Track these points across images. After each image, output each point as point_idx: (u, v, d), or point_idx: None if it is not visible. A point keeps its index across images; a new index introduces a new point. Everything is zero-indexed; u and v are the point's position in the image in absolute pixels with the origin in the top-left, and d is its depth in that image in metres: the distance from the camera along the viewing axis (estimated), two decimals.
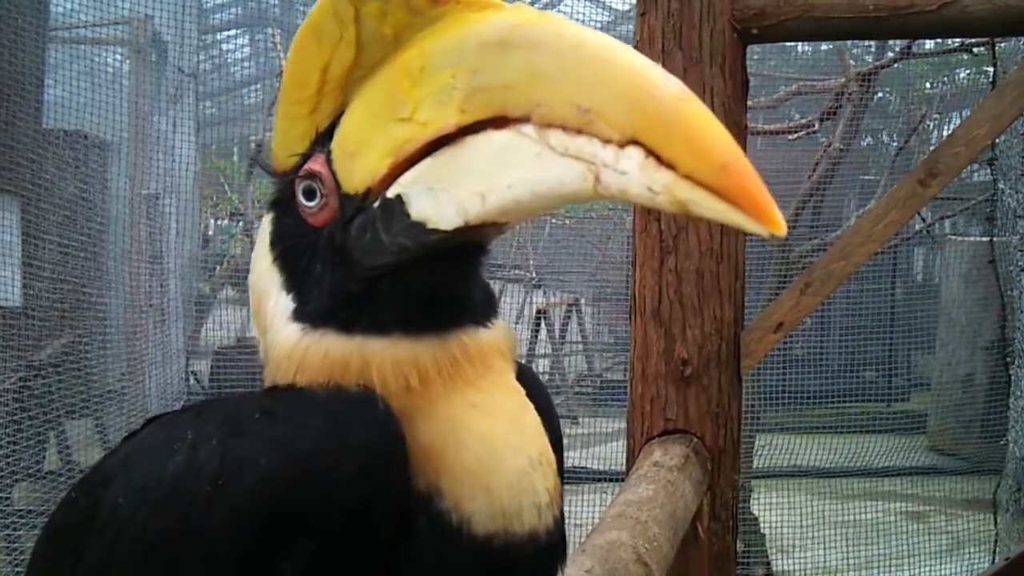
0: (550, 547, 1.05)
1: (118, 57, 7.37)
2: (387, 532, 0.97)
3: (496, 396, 1.04)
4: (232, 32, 11.33)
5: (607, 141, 0.86)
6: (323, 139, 1.04)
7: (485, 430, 1.01)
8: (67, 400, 5.98)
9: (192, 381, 8.71)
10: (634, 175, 0.85)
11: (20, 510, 5.35)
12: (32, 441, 5.62)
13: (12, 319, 5.50)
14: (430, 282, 1.01)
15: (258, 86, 10.93)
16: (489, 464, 1.00)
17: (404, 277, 1.00)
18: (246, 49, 11.48)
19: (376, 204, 0.99)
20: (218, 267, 10.66)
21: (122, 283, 7.15)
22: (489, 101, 0.91)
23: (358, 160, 1.00)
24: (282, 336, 1.04)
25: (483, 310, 1.07)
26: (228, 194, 10.72)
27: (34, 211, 5.68)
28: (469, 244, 1.01)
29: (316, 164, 1.04)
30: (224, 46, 11.42)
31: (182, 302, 8.24)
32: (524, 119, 0.90)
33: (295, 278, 1.07)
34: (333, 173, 1.02)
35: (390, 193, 0.98)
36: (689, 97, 0.83)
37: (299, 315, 1.04)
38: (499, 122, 0.92)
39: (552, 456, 1.08)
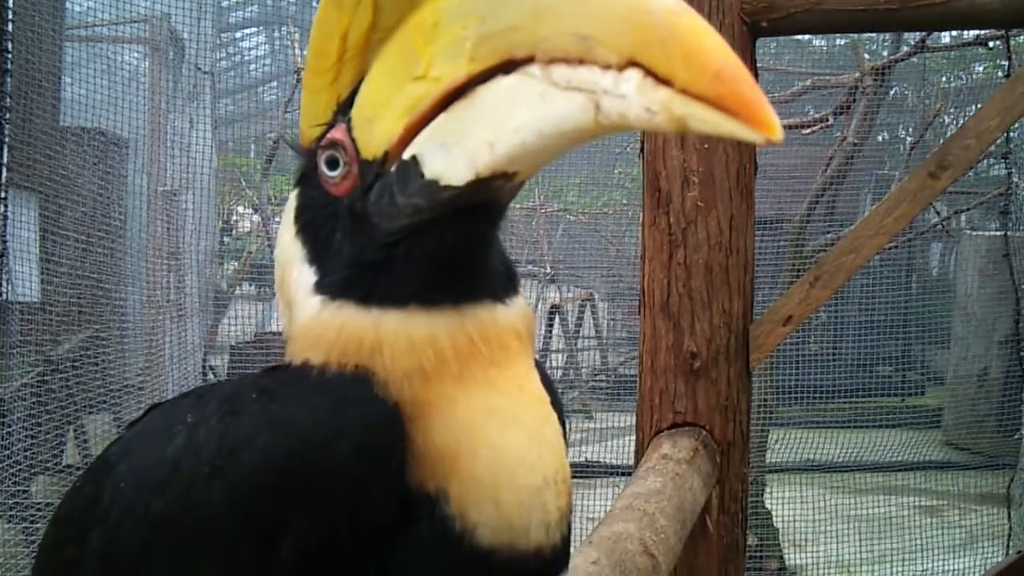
0: (554, 562, 1.03)
1: (136, 55, 7.41)
2: (385, 516, 0.97)
3: (519, 404, 1.02)
4: (249, 30, 11.38)
5: (607, 66, 0.83)
6: (344, 108, 1.03)
7: (502, 442, 0.99)
8: (85, 395, 6.02)
9: (210, 376, 8.75)
10: (632, 97, 0.82)
11: (39, 503, 5.40)
12: (51, 435, 5.67)
13: (30, 314, 5.54)
14: (444, 245, 0.98)
15: (275, 83, 10.97)
16: (502, 478, 0.98)
17: (418, 241, 0.98)
18: (263, 47, 11.54)
19: (394, 168, 0.98)
20: (234, 264, 10.70)
21: (140, 279, 7.19)
22: (496, 46, 0.89)
23: (376, 124, 0.98)
24: (303, 309, 1.04)
25: (502, 284, 1.05)
26: (245, 191, 10.76)
27: (52, 207, 5.72)
28: (484, 203, 0.99)
29: (337, 133, 1.03)
30: (241, 44, 11.50)
31: (199, 298, 8.27)
32: (529, 59, 0.88)
33: (317, 249, 1.06)
34: (353, 140, 1.01)
35: (406, 154, 0.97)
36: (684, 9, 0.81)
37: (319, 287, 1.03)
38: (507, 67, 0.90)
39: (568, 473, 1.06)
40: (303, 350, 1.02)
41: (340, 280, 1.02)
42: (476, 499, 0.97)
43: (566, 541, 1.06)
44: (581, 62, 0.85)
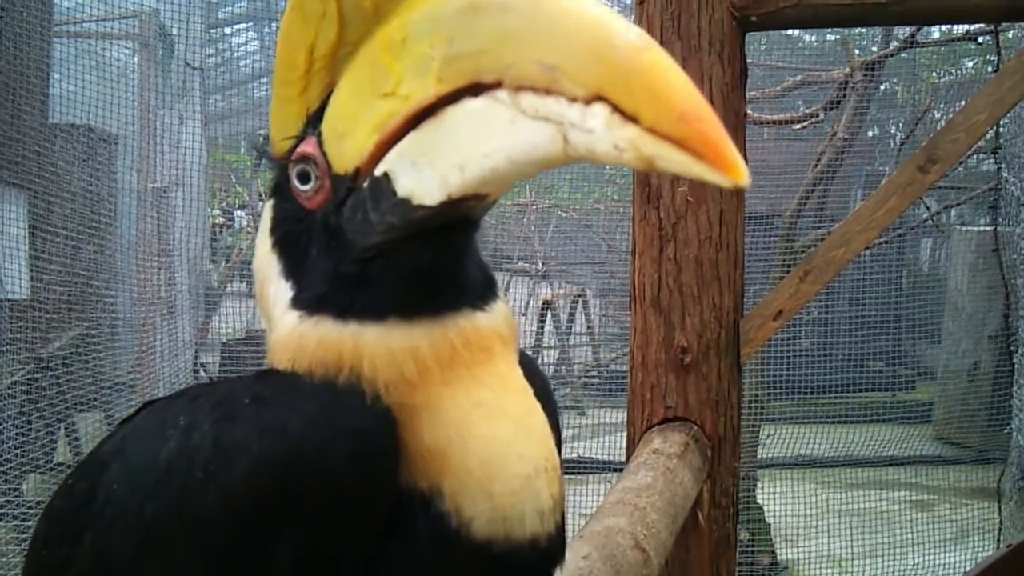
0: (550, 551, 1.03)
1: (125, 51, 7.38)
2: (379, 520, 0.97)
3: (504, 396, 1.02)
4: (239, 26, 11.33)
5: (573, 99, 0.83)
6: (314, 120, 1.02)
7: (491, 433, 0.99)
8: (76, 393, 6.00)
9: (201, 373, 8.73)
10: (600, 133, 0.82)
11: (30, 502, 5.38)
12: (42, 434, 5.66)
13: (20, 312, 5.52)
14: (420, 261, 0.99)
15: (265, 80, 10.90)
16: (493, 469, 0.98)
17: (394, 257, 0.98)
18: (253, 43, 11.47)
19: (366, 183, 0.97)
20: (224, 261, 10.69)
21: (130, 276, 7.17)
22: (464, 68, 0.89)
23: (347, 139, 0.98)
24: (281, 323, 1.03)
25: (481, 292, 1.05)
26: (236, 187, 10.75)
27: (41, 204, 5.69)
28: (457, 220, 0.99)
29: (308, 146, 1.02)
30: (231, 39, 11.43)
31: (190, 295, 8.25)
32: (497, 84, 0.88)
33: (293, 264, 1.05)
34: (325, 154, 1.01)
35: (377, 171, 0.96)
36: (649, 46, 0.80)
37: (296, 302, 1.03)
38: (476, 89, 0.89)
39: (558, 460, 1.06)
40: (282, 362, 1.02)
41: (316, 295, 1.01)
42: (470, 492, 0.97)
43: (561, 529, 1.06)
44: (548, 92, 0.84)
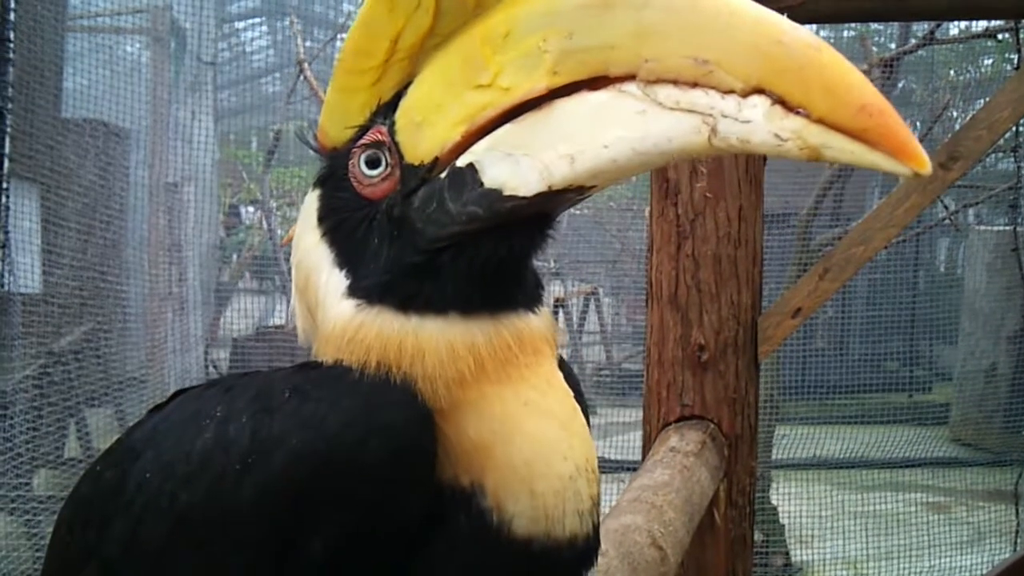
0: (586, 551, 1.04)
1: (137, 46, 7.40)
2: (416, 516, 0.97)
3: (550, 397, 1.03)
4: (251, 21, 11.34)
5: (728, 92, 0.85)
6: (386, 110, 1.02)
7: (536, 432, 1.00)
8: (87, 388, 6.02)
9: (211, 370, 8.75)
10: (759, 123, 0.84)
11: (40, 496, 5.39)
12: (52, 428, 5.66)
13: (32, 306, 5.53)
14: (494, 254, 0.99)
15: (277, 75, 10.92)
16: (537, 467, 0.98)
17: (467, 249, 0.98)
18: (265, 38, 11.49)
19: (444, 174, 0.98)
20: (235, 257, 10.71)
21: (142, 271, 7.19)
22: (586, 61, 0.90)
23: (426, 129, 0.99)
24: (334, 312, 1.02)
25: (534, 294, 1.06)
26: (247, 183, 10.77)
27: (54, 199, 5.70)
28: (539, 214, 0.99)
29: (378, 135, 1.02)
30: (243, 35, 11.44)
31: (201, 291, 8.28)
32: (627, 77, 0.89)
33: (348, 253, 1.05)
34: (396, 144, 1.01)
35: (461, 162, 0.96)
36: (824, 44, 0.82)
37: (353, 291, 1.02)
38: (596, 83, 0.91)
39: (596, 462, 1.07)
40: (336, 352, 1.01)
41: (377, 285, 1.01)
42: (512, 490, 0.98)
43: (597, 530, 1.06)
44: (695, 85, 0.86)
